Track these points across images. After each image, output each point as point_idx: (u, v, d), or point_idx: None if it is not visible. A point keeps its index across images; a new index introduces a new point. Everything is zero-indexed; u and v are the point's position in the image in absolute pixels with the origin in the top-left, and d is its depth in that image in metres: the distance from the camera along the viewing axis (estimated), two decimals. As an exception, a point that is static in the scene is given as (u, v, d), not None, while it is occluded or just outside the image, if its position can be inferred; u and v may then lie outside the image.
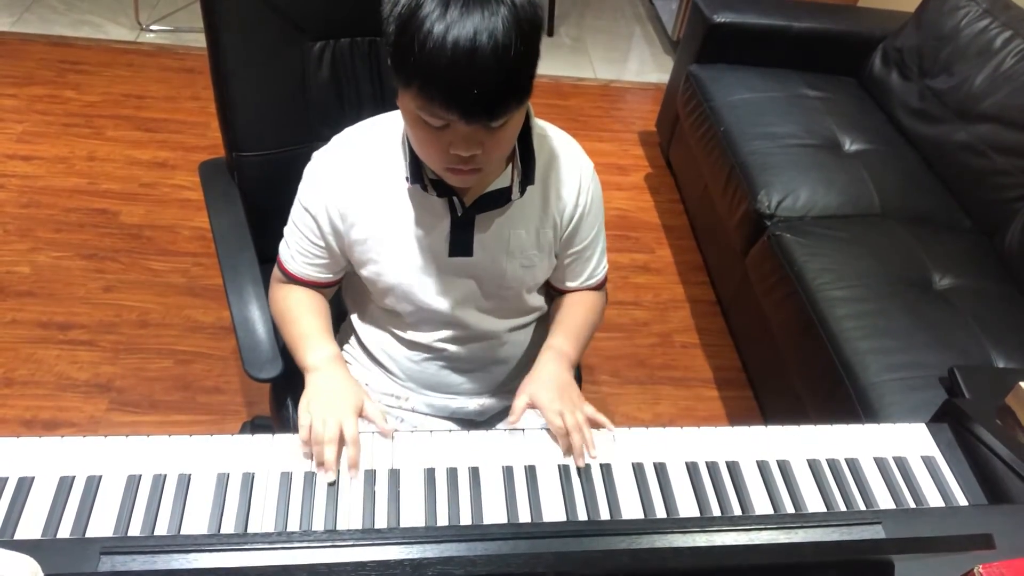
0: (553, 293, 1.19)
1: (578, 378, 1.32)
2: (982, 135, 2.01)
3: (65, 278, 2.08)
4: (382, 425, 0.94)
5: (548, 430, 0.98)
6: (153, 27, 3.13)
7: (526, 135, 0.93)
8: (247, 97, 1.23)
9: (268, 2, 1.17)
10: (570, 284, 1.13)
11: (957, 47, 2.17)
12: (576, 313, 1.12)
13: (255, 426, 1.64)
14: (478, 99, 0.76)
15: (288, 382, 1.23)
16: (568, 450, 0.94)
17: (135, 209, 2.33)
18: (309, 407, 0.93)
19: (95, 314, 2.00)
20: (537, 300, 1.13)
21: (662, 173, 2.86)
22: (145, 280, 2.11)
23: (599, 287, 1.15)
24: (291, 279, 1.06)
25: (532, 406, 0.99)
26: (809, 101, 2.34)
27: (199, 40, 2.82)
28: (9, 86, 2.73)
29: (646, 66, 3.54)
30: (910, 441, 1.03)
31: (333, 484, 0.88)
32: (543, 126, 1.01)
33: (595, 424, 0.97)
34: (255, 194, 1.28)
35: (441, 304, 1.03)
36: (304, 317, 1.05)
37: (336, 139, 1.01)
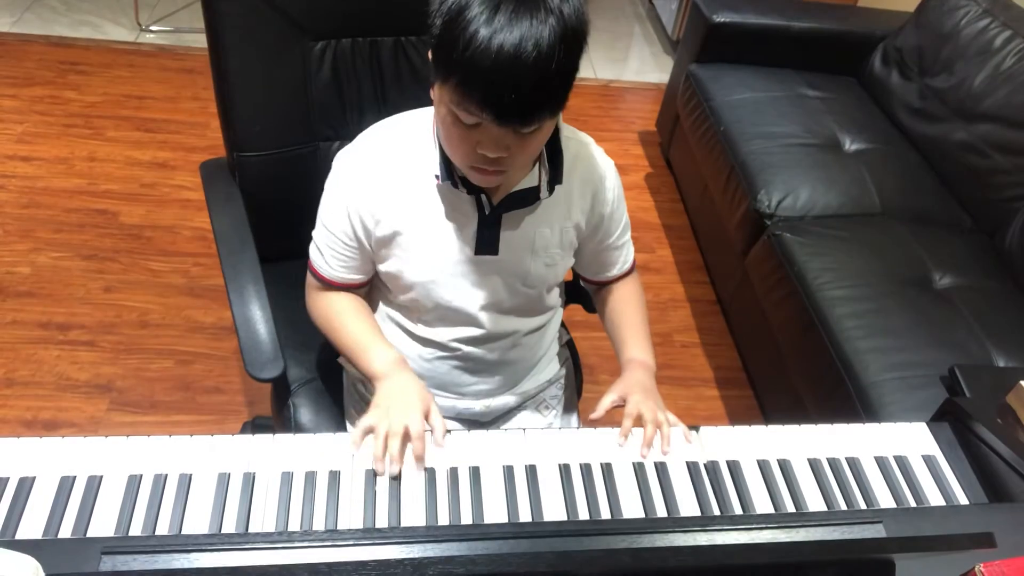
0: (589, 287, 1.21)
1: (577, 369, 1.33)
2: (982, 134, 2.01)
3: (65, 278, 2.08)
4: (438, 438, 0.94)
5: (542, 430, 0.98)
6: (153, 27, 3.13)
7: (555, 135, 0.94)
8: (248, 97, 1.23)
9: (269, 2, 1.17)
10: (609, 274, 1.17)
11: (957, 46, 2.17)
12: (631, 313, 1.16)
13: (256, 426, 1.64)
14: (513, 103, 0.77)
15: (289, 382, 1.23)
16: (626, 432, 0.97)
17: (135, 209, 2.33)
18: (375, 411, 0.93)
19: (95, 314, 2.00)
20: (554, 299, 1.15)
21: (662, 173, 2.86)
22: (145, 280, 2.11)
23: (632, 269, 1.19)
24: (327, 285, 1.06)
25: (618, 405, 1.02)
26: (809, 101, 2.34)
27: (199, 40, 2.83)
28: (9, 87, 2.73)
29: (646, 66, 3.54)
30: (911, 440, 1.03)
31: (397, 478, 0.88)
32: (567, 128, 1.02)
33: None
34: (256, 194, 1.28)
35: (463, 302, 1.03)
36: (354, 324, 1.05)
37: (362, 136, 1.01)
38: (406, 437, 0.91)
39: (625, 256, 1.16)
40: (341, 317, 1.06)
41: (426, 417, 0.95)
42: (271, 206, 1.30)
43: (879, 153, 2.17)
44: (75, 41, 3.00)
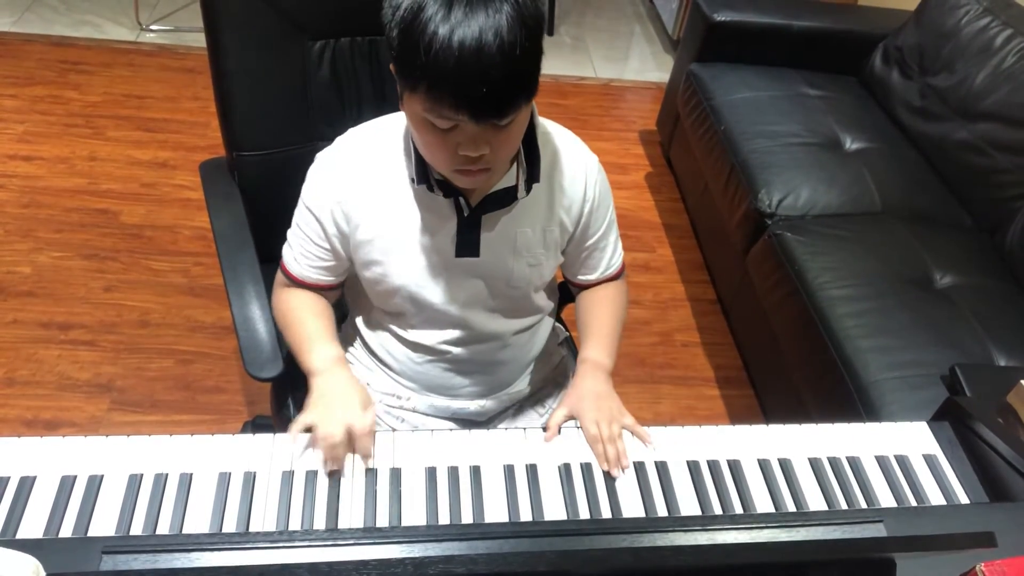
0: (573, 290, 1.19)
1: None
2: (983, 133, 2.01)
3: (66, 278, 2.08)
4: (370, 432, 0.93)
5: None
6: (153, 27, 3.13)
7: (530, 133, 0.93)
8: (247, 96, 1.23)
9: (268, 1, 1.17)
10: (590, 277, 1.14)
11: (958, 45, 2.17)
12: (602, 314, 1.12)
13: (256, 426, 1.63)
14: (487, 98, 0.76)
15: (289, 382, 1.23)
16: (602, 458, 0.95)
17: (136, 209, 2.33)
18: (315, 409, 0.92)
19: (96, 314, 2.00)
20: (542, 300, 1.13)
21: (663, 172, 2.86)
22: (146, 280, 2.11)
23: (617, 276, 1.16)
24: (294, 282, 1.06)
25: (571, 418, 0.99)
26: (810, 100, 2.34)
27: (199, 40, 2.82)
28: (10, 86, 2.73)
29: (647, 65, 3.54)
30: (911, 439, 1.03)
31: (336, 479, 0.88)
32: (545, 124, 1.01)
33: (636, 436, 0.98)
34: (255, 193, 1.28)
35: (447, 305, 1.03)
36: (306, 320, 1.04)
37: (339, 140, 1.01)
38: (349, 438, 0.90)
39: (610, 259, 1.13)
40: (296, 313, 1.05)
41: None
42: (271, 206, 1.29)
43: (880, 152, 2.16)
44: (76, 41, 3.00)
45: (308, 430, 0.91)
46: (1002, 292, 1.77)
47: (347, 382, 0.98)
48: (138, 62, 2.95)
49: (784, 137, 2.15)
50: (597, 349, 1.08)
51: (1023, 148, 1.91)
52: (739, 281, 2.12)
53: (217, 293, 2.10)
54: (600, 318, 1.12)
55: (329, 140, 1.28)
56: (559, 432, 0.98)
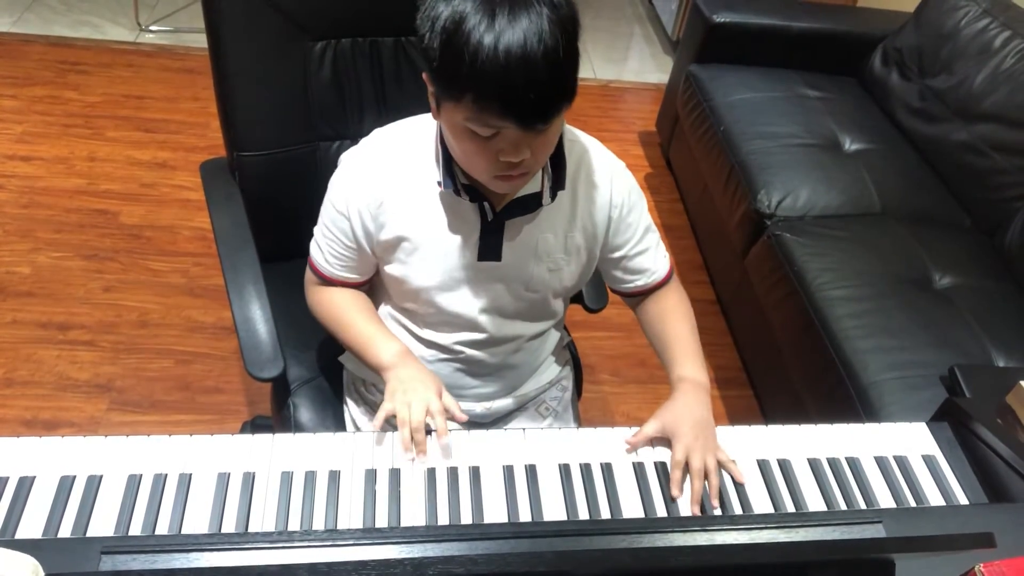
0: (630, 302, 1.18)
1: (577, 370, 1.32)
2: (982, 134, 2.01)
3: (65, 278, 2.08)
4: (457, 414, 0.95)
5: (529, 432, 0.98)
6: (153, 27, 3.13)
7: (558, 141, 0.93)
8: (248, 97, 1.23)
9: (270, 2, 1.17)
10: (638, 283, 1.12)
11: (957, 47, 2.17)
12: (678, 327, 1.10)
13: (255, 426, 1.64)
14: (534, 103, 0.77)
15: (289, 382, 1.23)
16: (677, 485, 0.93)
17: (135, 209, 2.33)
18: (394, 397, 0.95)
19: (95, 314, 2.00)
20: (559, 306, 1.13)
21: (662, 173, 2.86)
22: (145, 280, 2.11)
23: (669, 278, 1.13)
24: (327, 282, 1.07)
25: (661, 435, 0.97)
26: (809, 101, 2.34)
27: (199, 40, 2.82)
28: (9, 87, 2.73)
29: (646, 66, 3.54)
30: (911, 440, 1.03)
31: (413, 460, 0.92)
32: (572, 131, 1.01)
33: (726, 470, 0.96)
34: (256, 194, 1.28)
35: (466, 308, 1.03)
36: (359, 320, 1.05)
37: (366, 141, 1.01)
38: (427, 422, 0.92)
39: (654, 263, 1.10)
40: (346, 314, 1.06)
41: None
42: (271, 206, 1.30)
43: (879, 153, 2.17)
44: (75, 41, 3.00)
45: (389, 423, 0.93)
46: (1001, 292, 1.77)
47: (420, 371, 0.99)
48: (137, 62, 2.95)
49: (783, 138, 2.15)
50: (691, 366, 1.05)
51: (1022, 149, 1.91)
52: (738, 282, 2.12)
53: (216, 293, 2.10)
54: (677, 330, 1.10)
55: (330, 140, 1.28)
56: (650, 443, 0.98)
